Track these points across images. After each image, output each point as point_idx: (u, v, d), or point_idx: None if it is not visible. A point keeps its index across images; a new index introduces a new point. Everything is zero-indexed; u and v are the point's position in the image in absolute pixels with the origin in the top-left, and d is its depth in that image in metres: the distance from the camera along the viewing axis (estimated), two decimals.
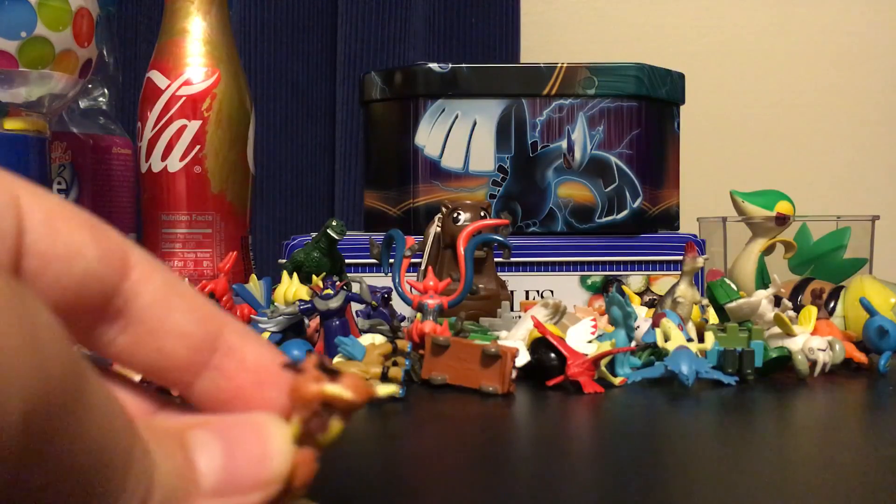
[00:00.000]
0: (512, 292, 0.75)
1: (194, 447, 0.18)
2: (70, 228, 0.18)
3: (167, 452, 0.17)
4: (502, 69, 0.79)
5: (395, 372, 0.45)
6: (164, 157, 0.72)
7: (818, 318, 0.58)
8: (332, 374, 0.19)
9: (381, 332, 0.58)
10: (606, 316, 0.58)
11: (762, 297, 0.56)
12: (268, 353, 0.20)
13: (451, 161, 0.79)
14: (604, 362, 0.51)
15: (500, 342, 0.51)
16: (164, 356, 0.19)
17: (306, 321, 0.55)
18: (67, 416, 0.14)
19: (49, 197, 0.18)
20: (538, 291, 0.77)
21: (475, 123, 0.79)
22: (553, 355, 0.50)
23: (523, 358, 0.51)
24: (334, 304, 0.52)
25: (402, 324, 0.62)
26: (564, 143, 0.79)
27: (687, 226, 0.89)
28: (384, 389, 0.20)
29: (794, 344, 0.54)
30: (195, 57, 0.72)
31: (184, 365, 0.19)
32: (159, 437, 0.17)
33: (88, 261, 0.18)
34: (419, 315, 0.55)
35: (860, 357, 0.56)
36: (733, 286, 0.58)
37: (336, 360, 0.47)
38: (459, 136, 0.79)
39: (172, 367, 0.19)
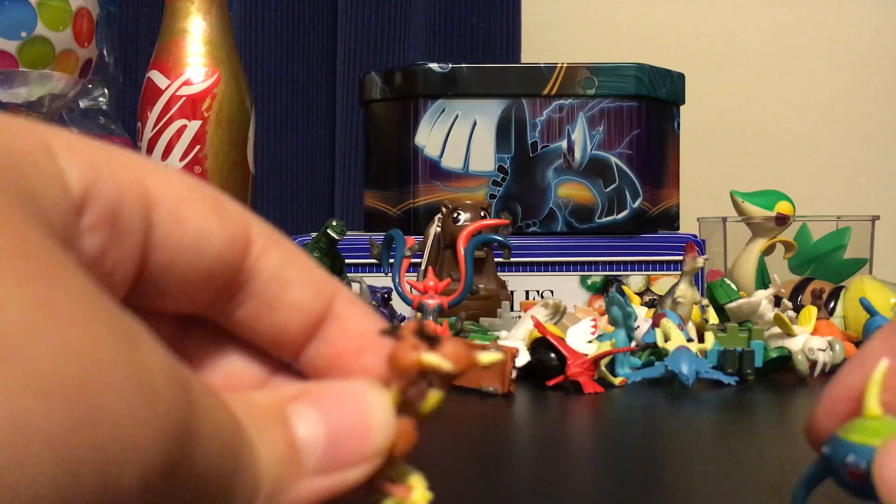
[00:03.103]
0: (512, 292, 0.75)
1: (295, 424, 0.17)
2: (197, 215, 0.18)
3: (270, 439, 0.17)
4: (502, 69, 0.79)
5: None
6: (165, 157, 0.72)
7: (818, 318, 0.58)
8: (432, 340, 0.18)
9: None
10: (606, 316, 0.58)
11: (762, 297, 0.56)
12: (370, 321, 0.20)
13: (451, 161, 0.79)
14: (604, 362, 0.51)
15: (500, 342, 0.51)
16: (279, 329, 0.19)
17: None
18: (183, 457, 0.14)
19: (176, 179, 0.18)
20: (538, 291, 0.77)
21: (475, 123, 0.79)
22: (553, 355, 0.49)
23: (523, 358, 0.51)
24: None
25: (402, 324, 0.62)
26: (564, 143, 0.79)
27: (687, 226, 0.89)
28: (487, 357, 0.19)
29: (794, 344, 0.54)
30: (195, 57, 0.72)
31: (297, 336, 0.19)
32: (261, 422, 0.17)
33: (215, 247, 0.18)
34: (419, 315, 0.55)
35: None
36: (733, 286, 0.57)
37: None
38: (459, 136, 0.79)
39: (285, 339, 0.19)
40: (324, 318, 0.19)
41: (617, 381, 0.51)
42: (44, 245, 0.13)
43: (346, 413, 0.17)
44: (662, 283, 0.77)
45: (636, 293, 0.77)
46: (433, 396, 0.18)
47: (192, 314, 0.19)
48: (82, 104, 0.88)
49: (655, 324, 0.55)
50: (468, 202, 0.67)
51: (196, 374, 0.16)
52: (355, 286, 0.56)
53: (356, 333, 0.20)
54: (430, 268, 0.59)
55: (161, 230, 0.17)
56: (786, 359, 0.54)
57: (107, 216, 0.16)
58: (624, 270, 0.78)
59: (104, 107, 0.90)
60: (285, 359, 0.20)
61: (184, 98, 0.72)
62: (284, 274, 0.19)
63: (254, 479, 0.16)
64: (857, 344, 0.59)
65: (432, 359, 0.18)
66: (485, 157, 0.79)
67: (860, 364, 0.21)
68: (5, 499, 0.11)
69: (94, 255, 0.16)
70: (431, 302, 0.54)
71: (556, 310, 0.54)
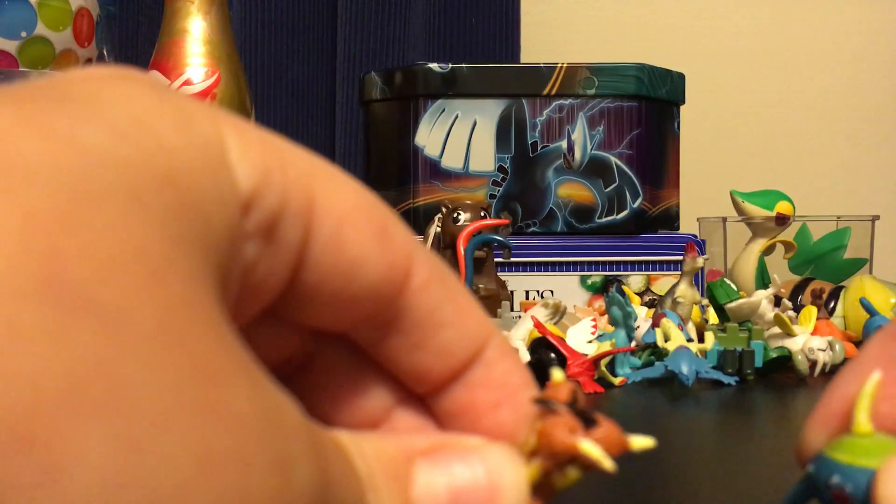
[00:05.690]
0: (512, 292, 0.75)
1: (418, 487, 0.16)
2: (359, 237, 0.16)
3: (388, 500, 0.15)
4: (502, 69, 0.79)
5: None
6: None
7: (818, 318, 0.58)
8: (589, 421, 0.17)
9: None
10: (606, 316, 0.58)
11: (762, 297, 0.56)
12: (517, 374, 0.18)
13: (451, 161, 0.79)
14: (604, 362, 0.51)
15: None
16: (421, 370, 0.18)
17: None
18: None
19: (345, 193, 0.16)
20: (538, 291, 0.77)
21: (475, 123, 0.79)
22: (553, 355, 0.50)
23: (523, 358, 0.51)
24: None
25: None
26: (564, 143, 0.79)
27: (687, 226, 0.89)
28: (640, 443, 0.17)
29: (794, 344, 0.54)
30: (195, 57, 0.72)
31: (438, 379, 0.18)
32: (382, 477, 0.15)
33: (370, 278, 0.16)
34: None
35: None
36: (733, 286, 0.58)
37: None
38: (459, 136, 0.79)
39: (425, 379, 0.18)
40: (471, 363, 0.18)
41: (617, 381, 0.51)
42: (217, 336, 0.12)
43: (475, 483, 0.16)
44: (662, 283, 0.77)
45: (636, 293, 0.77)
46: (572, 474, 0.17)
47: (329, 333, 0.18)
48: None
49: (655, 324, 0.55)
50: (468, 202, 0.67)
51: (326, 427, 0.15)
52: None
53: (498, 384, 0.18)
54: None
55: (317, 250, 0.16)
56: (786, 359, 0.54)
57: (265, 226, 0.15)
58: (624, 270, 0.78)
59: None
60: (417, 392, 0.18)
61: None
62: (440, 315, 0.17)
63: None
64: (857, 344, 0.59)
65: (592, 451, 0.16)
66: (485, 157, 0.79)
67: (857, 372, 0.19)
68: None
69: (246, 266, 0.15)
70: None
71: (556, 310, 0.54)
